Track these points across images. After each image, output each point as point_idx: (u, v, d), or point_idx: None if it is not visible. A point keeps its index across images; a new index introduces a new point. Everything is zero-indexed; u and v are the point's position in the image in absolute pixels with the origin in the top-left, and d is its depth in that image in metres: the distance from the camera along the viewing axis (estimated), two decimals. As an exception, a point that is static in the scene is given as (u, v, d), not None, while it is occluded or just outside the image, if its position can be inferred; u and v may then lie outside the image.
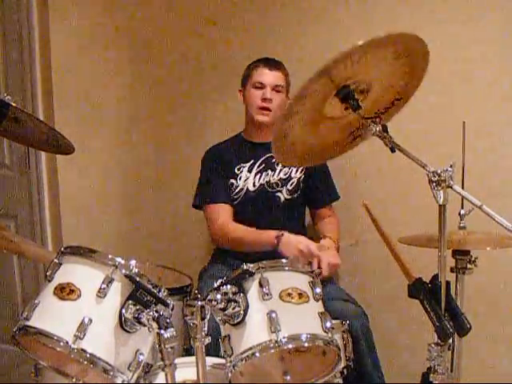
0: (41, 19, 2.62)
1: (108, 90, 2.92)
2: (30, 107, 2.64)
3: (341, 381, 1.85)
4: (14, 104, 1.63)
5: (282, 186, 2.47)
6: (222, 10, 2.91)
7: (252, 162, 2.48)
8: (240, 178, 2.46)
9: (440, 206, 1.46)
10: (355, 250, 2.66)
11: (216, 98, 2.96)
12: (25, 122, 1.73)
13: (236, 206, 2.46)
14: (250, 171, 2.47)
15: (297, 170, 2.49)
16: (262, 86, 2.42)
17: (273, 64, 2.45)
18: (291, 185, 2.47)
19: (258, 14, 2.83)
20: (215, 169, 2.50)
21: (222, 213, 2.43)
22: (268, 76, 2.43)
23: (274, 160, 2.44)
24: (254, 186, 2.46)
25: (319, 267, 2.12)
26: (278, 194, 2.47)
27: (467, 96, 2.41)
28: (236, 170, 2.47)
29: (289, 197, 2.47)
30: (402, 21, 2.51)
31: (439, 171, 1.44)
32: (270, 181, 2.46)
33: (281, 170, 2.47)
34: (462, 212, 1.93)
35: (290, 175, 2.48)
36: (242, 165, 2.48)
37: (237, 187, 2.46)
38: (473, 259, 1.90)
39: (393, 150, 1.55)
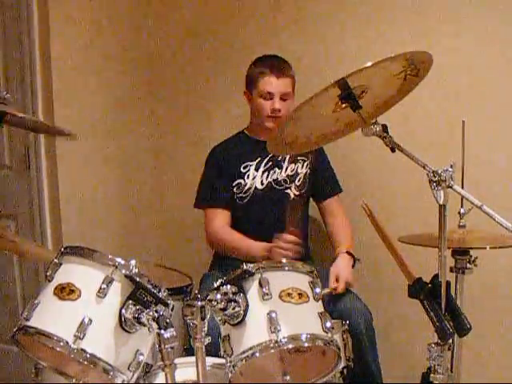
0: (41, 19, 2.62)
1: (108, 90, 2.92)
2: (30, 107, 2.64)
3: (341, 381, 1.85)
4: (8, 111, 1.62)
5: (290, 183, 2.46)
6: (223, 9, 2.91)
7: (259, 159, 2.46)
8: (248, 177, 2.45)
9: (440, 205, 1.46)
10: (355, 250, 2.66)
11: (216, 99, 2.96)
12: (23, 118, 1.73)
13: (245, 205, 2.45)
14: (257, 169, 2.45)
15: (302, 166, 2.48)
16: (270, 96, 2.37)
17: (279, 70, 2.38)
18: (299, 180, 2.46)
19: (259, 12, 2.83)
20: (218, 170, 2.48)
21: (219, 217, 2.44)
22: (276, 85, 2.36)
23: (280, 157, 2.45)
24: (261, 184, 2.45)
25: (336, 283, 2.22)
26: (287, 190, 2.46)
27: (467, 95, 2.41)
28: (242, 169, 2.45)
29: (297, 193, 2.46)
30: (404, 23, 2.50)
31: (439, 171, 1.44)
32: (277, 178, 2.46)
33: (287, 167, 2.46)
34: (462, 211, 1.93)
35: (296, 171, 2.47)
36: (248, 163, 2.46)
37: (245, 186, 2.44)
38: (472, 259, 1.89)
39: (393, 150, 1.55)
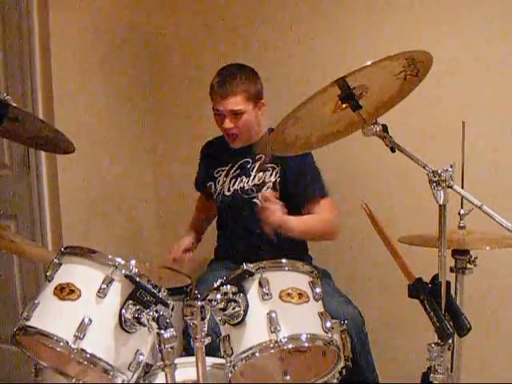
0: (41, 19, 2.62)
1: (108, 91, 2.92)
2: (30, 107, 2.64)
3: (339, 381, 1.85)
4: (14, 104, 1.63)
5: (257, 192, 2.38)
6: (221, 13, 2.92)
7: (230, 165, 2.44)
8: (218, 182, 2.45)
9: (440, 205, 1.46)
10: (355, 250, 2.67)
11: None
12: (25, 121, 1.73)
13: (219, 208, 2.50)
14: (226, 176, 2.44)
15: (271, 174, 2.37)
16: (220, 113, 2.31)
17: (225, 89, 2.26)
18: (266, 189, 2.36)
19: (260, 13, 2.83)
20: (203, 161, 2.57)
21: (199, 199, 2.68)
22: (223, 104, 2.27)
23: (249, 165, 2.40)
24: (228, 190, 2.43)
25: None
26: (255, 200, 2.37)
27: (467, 96, 2.41)
28: (215, 174, 2.46)
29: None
30: (405, 23, 2.50)
31: (439, 171, 1.44)
32: (244, 187, 2.39)
33: (255, 176, 2.39)
34: (462, 212, 1.93)
35: (263, 180, 2.38)
36: (220, 168, 2.46)
37: (215, 191, 2.46)
38: (472, 259, 1.89)
39: (393, 150, 1.55)
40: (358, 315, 2.20)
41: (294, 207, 2.27)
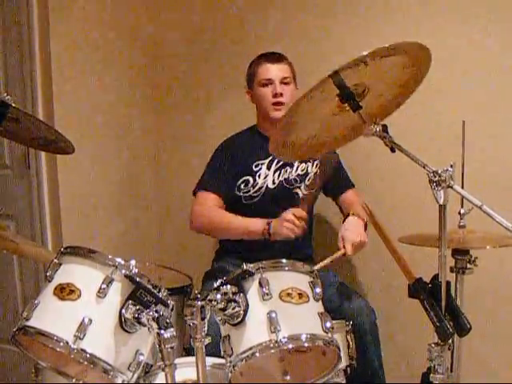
0: (41, 20, 2.62)
1: (108, 90, 2.92)
2: (30, 107, 2.64)
3: (344, 380, 1.85)
4: (13, 104, 1.63)
5: (300, 182, 2.45)
6: (224, 9, 2.92)
7: (270, 158, 2.44)
8: (259, 176, 2.43)
9: (440, 205, 1.46)
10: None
11: (219, 96, 2.96)
12: (25, 122, 1.73)
13: (255, 204, 2.42)
14: (268, 168, 2.44)
15: (312, 165, 2.47)
16: (269, 82, 2.38)
17: (275, 57, 2.41)
18: (308, 180, 2.45)
19: (260, 12, 2.84)
20: (225, 162, 2.45)
21: (211, 200, 2.38)
22: (273, 70, 2.38)
23: None
24: (273, 183, 2.43)
25: (344, 247, 2.18)
26: (297, 190, 2.44)
27: (467, 96, 2.41)
28: (254, 167, 2.43)
29: (306, 192, 2.45)
30: (404, 23, 2.51)
31: (439, 171, 1.44)
32: (288, 177, 2.44)
33: (298, 167, 2.45)
34: (462, 211, 1.93)
35: (307, 170, 2.46)
36: (259, 162, 2.44)
37: (255, 185, 2.42)
38: (472, 259, 1.89)
39: (393, 150, 1.55)
40: (371, 310, 2.25)
41: (331, 195, 2.54)
